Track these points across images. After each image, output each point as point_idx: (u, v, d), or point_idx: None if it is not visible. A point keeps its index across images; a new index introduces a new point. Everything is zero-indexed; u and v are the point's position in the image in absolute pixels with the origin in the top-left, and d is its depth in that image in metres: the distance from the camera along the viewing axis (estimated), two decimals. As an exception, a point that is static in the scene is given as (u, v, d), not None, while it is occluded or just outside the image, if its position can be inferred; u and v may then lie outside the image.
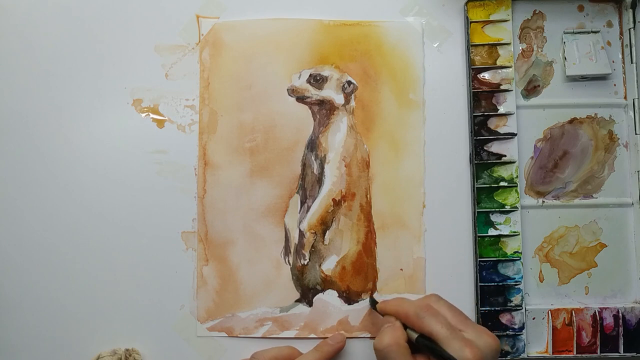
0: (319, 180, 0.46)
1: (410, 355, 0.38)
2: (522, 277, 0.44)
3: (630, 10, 0.46)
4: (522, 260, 0.44)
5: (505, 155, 0.45)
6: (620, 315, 0.44)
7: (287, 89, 0.46)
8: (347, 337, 0.45)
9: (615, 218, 0.45)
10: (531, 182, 0.46)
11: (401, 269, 0.45)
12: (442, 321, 0.38)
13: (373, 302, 0.44)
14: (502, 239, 0.44)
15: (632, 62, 0.46)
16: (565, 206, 0.45)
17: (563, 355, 0.44)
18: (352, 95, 0.46)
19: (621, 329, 0.44)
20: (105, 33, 0.47)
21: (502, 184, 0.45)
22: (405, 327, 0.40)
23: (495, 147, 0.45)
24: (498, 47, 0.46)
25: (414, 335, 0.39)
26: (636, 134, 0.45)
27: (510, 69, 0.45)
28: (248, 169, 0.46)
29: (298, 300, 0.45)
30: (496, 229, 0.45)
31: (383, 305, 0.42)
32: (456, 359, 0.35)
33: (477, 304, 0.44)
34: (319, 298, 0.45)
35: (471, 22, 0.46)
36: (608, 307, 0.44)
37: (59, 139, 0.46)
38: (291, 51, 0.46)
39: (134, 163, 0.46)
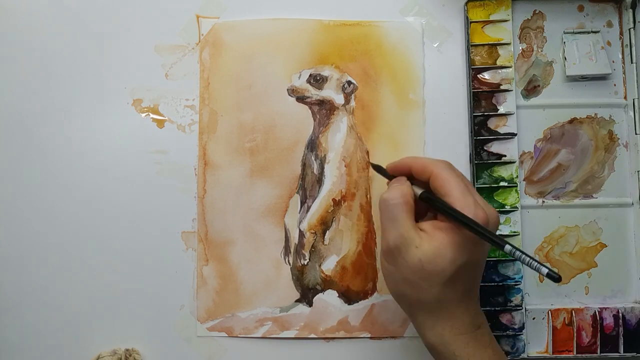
0: (319, 180, 0.46)
1: (413, 215, 0.37)
2: (522, 277, 0.44)
3: (630, 10, 0.46)
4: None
5: (505, 155, 0.45)
6: (620, 315, 0.44)
7: (287, 89, 0.46)
8: (347, 337, 0.45)
9: (615, 218, 0.45)
10: (531, 182, 0.46)
11: (401, 269, 0.45)
12: (460, 177, 0.37)
13: (378, 167, 0.41)
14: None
15: (632, 62, 0.46)
16: (565, 206, 0.45)
17: (563, 355, 0.44)
18: (352, 95, 0.46)
19: (621, 329, 0.44)
20: (105, 33, 0.47)
21: (502, 184, 0.45)
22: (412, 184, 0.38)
23: (495, 147, 0.45)
24: (498, 47, 0.46)
25: (419, 192, 0.37)
26: (636, 134, 0.45)
27: (510, 69, 0.45)
28: (248, 169, 0.46)
29: (298, 300, 0.45)
30: (496, 229, 0.45)
31: (394, 163, 0.40)
32: (462, 214, 0.34)
33: (477, 297, 0.44)
34: (319, 298, 0.45)
35: (471, 22, 0.46)
36: (608, 307, 0.44)
37: (59, 139, 0.46)
38: (291, 51, 0.46)
39: (134, 163, 0.46)
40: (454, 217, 0.35)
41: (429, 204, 0.37)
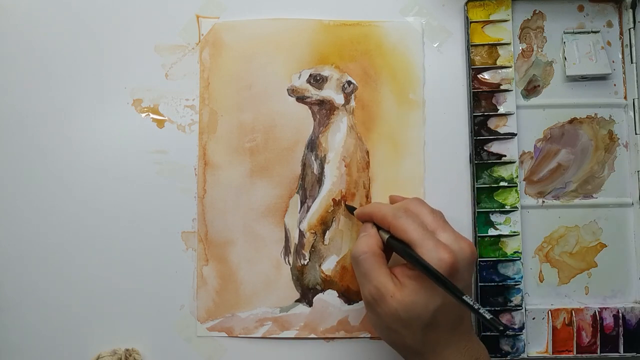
0: (319, 180, 0.46)
1: (384, 263, 0.37)
2: (522, 277, 0.44)
3: (630, 10, 0.46)
4: (522, 260, 0.44)
5: (505, 155, 0.45)
6: (620, 315, 0.44)
7: (287, 89, 0.46)
8: (347, 337, 0.45)
9: (615, 218, 0.45)
10: (531, 182, 0.46)
11: (401, 269, 0.45)
12: (418, 222, 0.37)
13: (351, 208, 0.43)
14: (502, 239, 0.45)
15: (632, 62, 0.46)
16: (565, 206, 0.45)
17: (563, 355, 0.44)
18: (352, 95, 0.46)
19: (621, 329, 0.44)
20: (105, 33, 0.47)
21: (502, 184, 0.45)
22: (379, 230, 0.39)
23: (495, 147, 0.45)
24: (498, 47, 0.46)
25: (385, 237, 0.38)
26: (636, 134, 0.45)
27: (510, 69, 0.45)
28: (248, 169, 0.46)
29: (298, 300, 0.45)
30: (496, 229, 0.45)
31: (360, 210, 0.41)
32: (422, 259, 0.34)
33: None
34: (319, 298, 0.45)
35: (471, 22, 0.46)
36: (608, 307, 0.44)
37: (59, 139, 0.46)
38: (291, 51, 0.46)
39: (134, 163, 0.46)
40: (415, 263, 0.35)
41: (394, 250, 0.38)
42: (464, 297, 0.34)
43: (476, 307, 0.33)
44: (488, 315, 0.33)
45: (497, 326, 0.33)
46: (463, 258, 0.36)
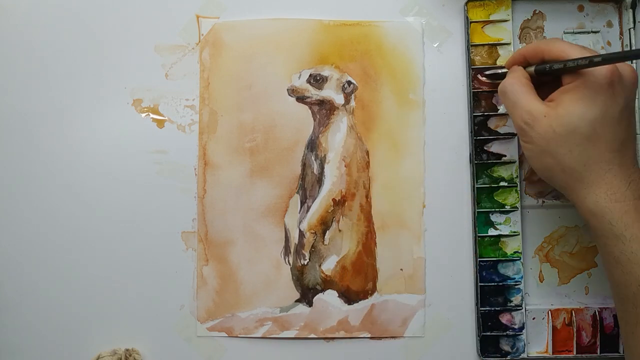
0: (319, 180, 0.46)
1: (534, 91, 0.37)
2: (522, 277, 0.44)
3: (630, 10, 0.46)
4: (522, 260, 0.44)
5: (505, 155, 0.45)
6: (620, 315, 0.44)
7: (287, 89, 0.46)
8: (347, 337, 0.45)
9: (615, 218, 0.45)
10: (531, 182, 0.46)
11: (401, 269, 0.45)
12: (574, 45, 0.37)
13: (491, 75, 0.44)
14: (502, 239, 0.45)
15: (632, 62, 0.45)
16: (565, 206, 0.45)
17: (563, 355, 0.44)
18: (352, 95, 0.46)
19: (621, 329, 0.44)
20: (105, 33, 0.47)
21: (502, 184, 0.45)
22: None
23: (495, 147, 0.45)
24: (498, 47, 0.46)
25: (532, 69, 0.38)
26: (636, 134, 0.45)
27: (510, 69, 0.45)
28: (248, 169, 0.46)
29: (298, 300, 0.45)
30: (496, 229, 0.45)
31: (510, 59, 0.41)
32: (594, 56, 0.34)
33: (477, 304, 0.44)
34: (319, 298, 0.45)
35: (471, 22, 0.46)
36: (608, 307, 0.44)
37: (59, 139, 0.46)
38: (291, 51, 0.46)
39: (134, 163, 0.46)
40: (576, 64, 0.35)
41: (547, 73, 0.37)
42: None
43: None
44: None
45: None
46: (628, 76, 0.36)
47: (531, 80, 0.39)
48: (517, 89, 0.38)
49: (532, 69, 0.39)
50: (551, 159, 0.36)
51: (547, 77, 0.39)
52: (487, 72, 0.45)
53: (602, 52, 0.45)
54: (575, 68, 0.36)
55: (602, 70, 0.35)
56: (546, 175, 0.38)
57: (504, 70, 0.42)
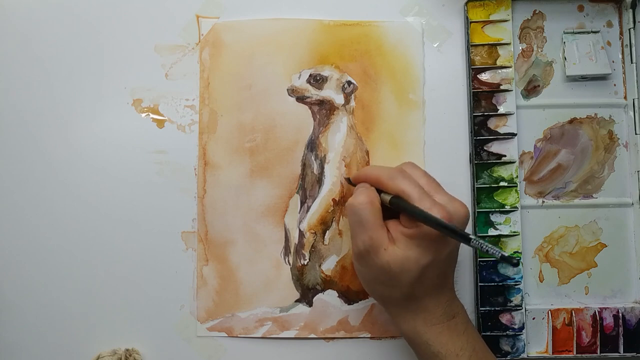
0: (319, 180, 0.46)
1: (381, 216, 0.38)
2: (522, 277, 0.44)
3: (630, 10, 0.46)
4: (522, 260, 0.44)
5: (505, 155, 0.45)
6: (620, 315, 0.44)
7: (287, 89, 0.46)
8: (347, 337, 0.45)
9: (615, 218, 0.45)
10: (531, 182, 0.46)
11: (401, 269, 0.45)
12: (414, 183, 0.38)
13: (348, 180, 0.44)
14: (502, 239, 0.45)
15: (632, 62, 0.46)
16: (565, 206, 0.45)
17: (563, 355, 0.44)
18: (352, 95, 0.46)
19: (621, 329, 0.44)
20: (105, 33, 0.47)
21: (502, 184, 0.45)
22: (379, 193, 0.39)
23: (495, 147, 0.45)
24: (498, 47, 0.46)
25: (387, 198, 0.38)
26: (636, 134, 0.45)
27: (510, 69, 0.45)
28: (248, 169, 0.46)
29: (298, 300, 0.45)
30: (496, 229, 0.45)
31: (356, 174, 0.42)
32: (426, 212, 0.35)
33: (477, 304, 0.44)
34: (319, 298, 0.45)
35: (471, 22, 0.46)
36: (608, 307, 0.44)
37: (59, 139, 0.46)
38: (291, 51, 0.46)
39: (134, 163, 0.46)
40: (421, 217, 0.36)
41: (397, 208, 0.38)
42: (472, 240, 0.34)
43: (485, 248, 0.34)
44: (498, 254, 0.34)
45: (510, 259, 0.33)
46: (458, 218, 0.37)
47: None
48: (367, 209, 0.37)
49: (387, 197, 0.38)
50: (380, 287, 0.39)
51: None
52: (345, 177, 0.45)
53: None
54: (421, 218, 0.36)
55: (442, 217, 0.36)
56: (375, 297, 0.41)
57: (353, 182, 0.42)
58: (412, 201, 0.37)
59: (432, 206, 0.36)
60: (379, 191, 0.39)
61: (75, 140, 0.46)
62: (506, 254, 0.34)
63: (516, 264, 0.34)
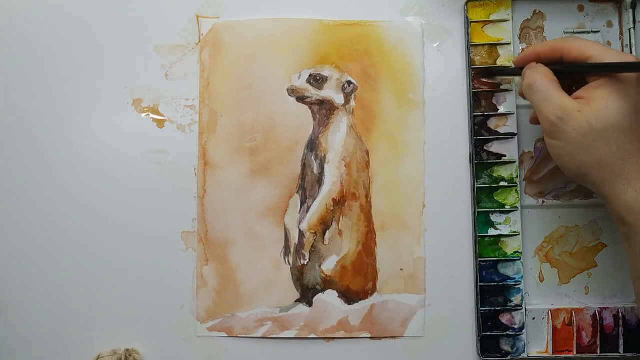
0: (319, 180, 0.46)
1: (561, 88, 0.37)
2: (522, 277, 0.44)
3: (630, 10, 0.46)
4: (522, 260, 0.44)
5: (505, 155, 0.45)
6: (620, 315, 0.44)
7: (287, 89, 0.46)
8: (347, 337, 0.45)
9: (615, 218, 0.45)
10: (531, 182, 0.46)
11: (401, 269, 0.45)
12: (592, 42, 0.37)
13: (490, 70, 0.43)
14: (502, 239, 0.45)
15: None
16: (565, 206, 0.45)
17: (563, 355, 0.44)
18: (352, 95, 0.46)
19: (621, 329, 0.44)
20: (105, 33, 0.47)
21: (502, 184, 0.45)
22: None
23: (495, 147, 0.45)
24: (498, 47, 0.46)
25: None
26: None
27: (510, 69, 0.45)
28: (248, 169, 0.46)
29: (298, 300, 0.45)
30: (496, 229, 0.45)
31: (522, 54, 0.40)
32: (612, 62, 0.34)
33: (477, 304, 0.44)
34: (319, 298, 0.45)
35: (471, 22, 0.46)
36: (608, 307, 0.44)
37: (59, 139, 0.46)
38: (291, 51, 0.46)
39: (134, 163, 0.46)
40: (605, 66, 0.35)
41: (572, 72, 0.37)
42: None
43: None
44: None
45: None
46: None
47: None
48: (546, 83, 0.37)
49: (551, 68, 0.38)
50: (586, 156, 0.35)
51: (565, 77, 0.38)
52: (485, 67, 0.44)
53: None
54: (603, 68, 0.35)
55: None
56: (579, 173, 0.37)
57: (514, 67, 0.42)
58: (597, 57, 0.35)
59: (621, 56, 0.35)
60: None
61: (75, 140, 0.46)
62: None
63: None
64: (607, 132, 0.34)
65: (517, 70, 0.42)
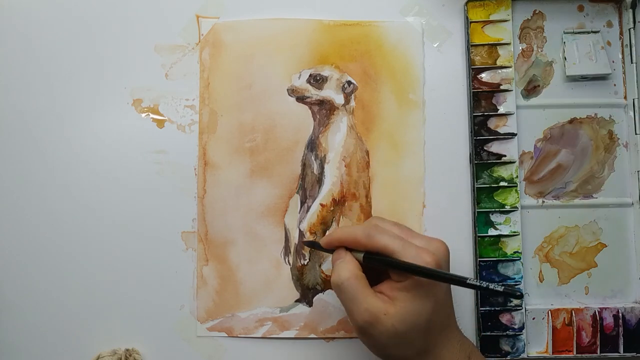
0: (319, 180, 0.46)
1: (368, 284, 0.37)
2: (522, 277, 0.44)
3: (630, 10, 0.46)
4: (522, 260, 0.44)
5: (505, 155, 0.45)
6: (620, 315, 0.44)
7: (287, 89, 0.46)
8: (347, 337, 0.45)
9: (615, 218, 0.45)
10: (531, 182, 0.46)
11: (401, 269, 0.45)
12: (392, 235, 0.37)
13: (311, 243, 0.43)
14: (502, 239, 0.45)
15: (632, 62, 0.46)
16: (565, 206, 0.45)
17: (563, 355, 0.44)
18: (352, 95, 0.46)
19: (621, 329, 0.44)
20: (105, 33, 0.47)
21: (502, 184, 0.45)
22: (351, 251, 0.39)
23: (495, 147, 0.45)
24: (498, 47, 0.46)
25: (360, 256, 0.38)
26: (636, 134, 0.45)
27: (510, 69, 0.45)
28: (248, 169, 0.46)
29: (298, 300, 0.45)
30: (496, 229, 0.45)
31: (327, 239, 0.40)
32: (413, 263, 0.35)
33: (477, 304, 0.44)
34: (319, 298, 0.45)
35: (471, 22, 0.46)
36: (608, 307, 0.44)
37: (59, 139, 0.46)
38: (291, 51, 0.46)
39: (134, 163, 0.46)
40: (406, 269, 0.36)
41: (374, 265, 0.37)
42: (468, 281, 0.35)
43: (484, 285, 0.34)
44: (500, 287, 0.34)
45: (513, 292, 0.33)
46: (442, 256, 0.37)
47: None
48: (354, 284, 0.37)
49: (360, 255, 0.38)
50: (394, 351, 0.37)
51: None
52: (305, 241, 0.44)
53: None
54: (403, 269, 0.36)
55: (428, 261, 0.35)
56: None
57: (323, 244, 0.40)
58: (397, 255, 0.36)
59: (418, 252, 0.36)
60: (351, 250, 0.38)
61: (75, 140, 0.46)
62: (508, 289, 0.34)
63: (520, 296, 0.34)
64: (410, 333, 0.36)
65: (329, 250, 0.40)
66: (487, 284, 0.34)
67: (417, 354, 0.37)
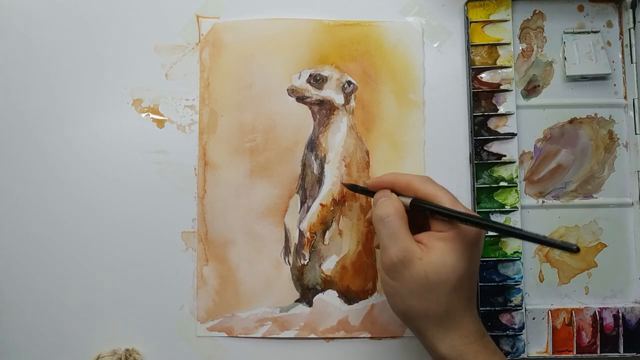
0: (319, 180, 0.46)
1: (409, 229, 0.37)
2: (522, 277, 0.44)
3: (630, 10, 0.46)
4: (522, 260, 0.44)
5: (505, 155, 0.45)
6: (620, 315, 0.44)
7: (287, 89, 0.46)
8: (347, 337, 0.45)
9: (615, 218, 0.45)
10: (531, 182, 0.46)
11: (401, 269, 0.45)
12: (444, 189, 0.37)
13: (353, 186, 0.43)
14: (502, 239, 0.44)
15: (632, 62, 0.46)
16: (565, 206, 0.45)
17: (563, 355, 0.44)
18: (352, 95, 0.46)
19: (621, 329, 0.44)
20: (105, 33, 0.47)
21: (502, 184, 0.45)
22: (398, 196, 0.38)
23: (495, 147, 0.45)
24: (498, 47, 0.46)
25: (407, 201, 0.37)
26: (636, 134, 0.45)
27: (510, 69, 0.45)
28: (248, 169, 0.46)
29: (298, 300, 0.45)
30: (496, 229, 0.45)
31: (376, 180, 0.40)
32: (465, 212, 0.35)
33: (477, 304, 0.44)
34: (319, 298, 0.45)
35: (471, 22, 0.46)
36: (608, 307, 0.44)
37: (59, 139, 0.46)
38: (291, 51, 0.46)
39: (134, 163, 0.46)
40: (452, 215, 0.35)
41: (420, 210, 0.37)
42: (522, 232, 0.34)
43: (541, 237, 0.33)
44: (558, 241, 0.32)
45: (570, 246, 0.32)
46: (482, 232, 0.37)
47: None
48: (397, 221, 0.36)
49: (407, 201, 0.37)
50: (416, 302, 0.36)
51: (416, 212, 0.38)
52: (346, 183, 0.44)
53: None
54: (449, 217, 0.36)
55: (474, 228, 0.36)
56: (405, 315, 0.37)
57: (368, 188, 0.41)
58: (447, 206, 0.36)
59: (467, 211, 0.36)
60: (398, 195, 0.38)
61: (75, 140, 0.46)
62: (565, 243, 0.32)
63: (577, 250, 0.32)
64: (439, 286, 0.35)
65: (371, 192, 0.40)
66: (544, 236, 0.33)
67: (440, 312, 0.36)
